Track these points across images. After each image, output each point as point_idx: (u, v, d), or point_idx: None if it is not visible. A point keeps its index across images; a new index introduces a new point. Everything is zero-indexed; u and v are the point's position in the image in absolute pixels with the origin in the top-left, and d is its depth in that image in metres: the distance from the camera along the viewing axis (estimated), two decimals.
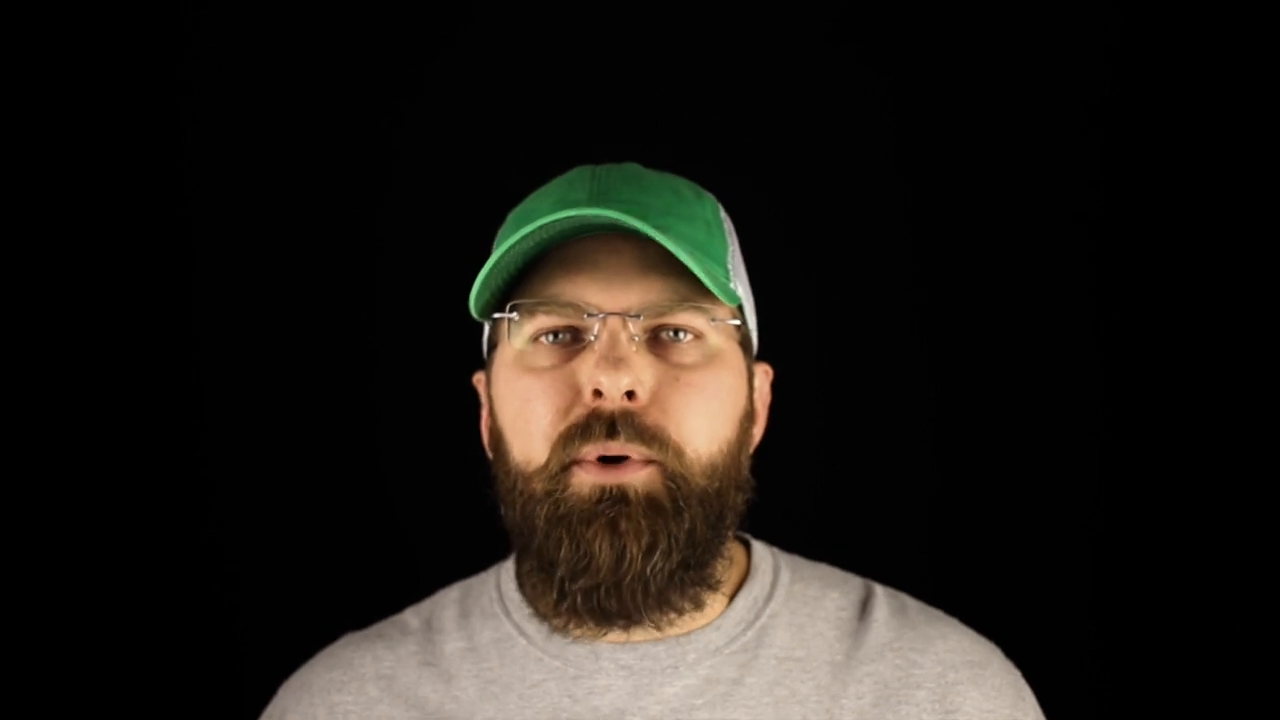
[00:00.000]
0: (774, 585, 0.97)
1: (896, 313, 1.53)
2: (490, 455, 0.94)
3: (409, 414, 1.52)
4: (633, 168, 0.93)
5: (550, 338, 0.88)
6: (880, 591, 0.99)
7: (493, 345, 0.93)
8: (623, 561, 0.85)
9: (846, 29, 1.51)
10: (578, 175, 0.93)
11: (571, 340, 0.88)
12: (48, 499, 1.49)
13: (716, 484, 0.88)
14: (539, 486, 0.87)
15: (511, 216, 0.95)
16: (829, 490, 1.48)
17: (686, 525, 0.87)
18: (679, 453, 0.87)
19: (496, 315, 0.90)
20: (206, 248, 1.54)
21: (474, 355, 1.00)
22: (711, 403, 0.88)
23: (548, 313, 0.87)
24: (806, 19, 1.51)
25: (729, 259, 0.93)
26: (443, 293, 1.49)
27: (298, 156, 1.52)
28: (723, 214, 0.96)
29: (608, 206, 0.85)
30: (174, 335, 1.52)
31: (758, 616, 0.95)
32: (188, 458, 1.53)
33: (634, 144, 0.98)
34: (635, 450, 0.85)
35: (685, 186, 0.94)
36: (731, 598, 0.95)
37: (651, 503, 0.86)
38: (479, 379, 0.98)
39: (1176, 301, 1.48)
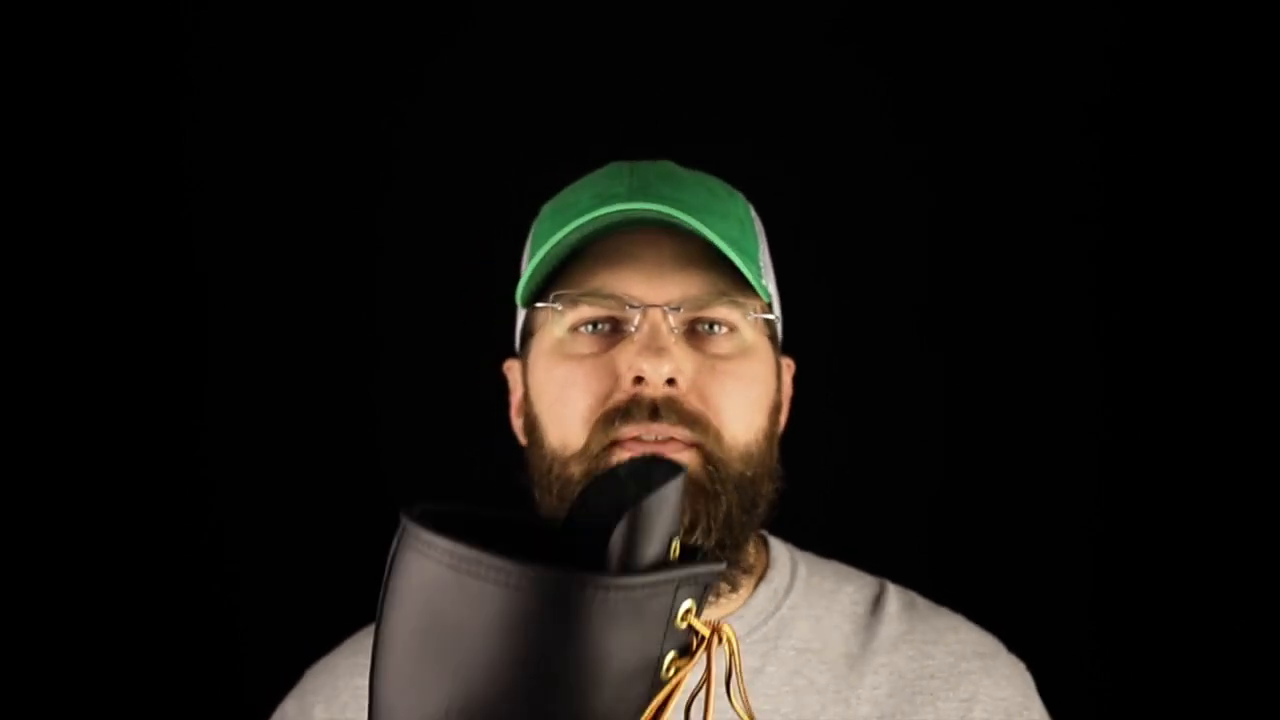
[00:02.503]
0: (793, 579, 0.99)
1: (899, 312, 1.52)
2: (524, 441, 0.95)
3: (410, 413, 1.52)
4: (667, 165, 0.96)
5: (590, 328, 0.90)
6: (892, 588, 1.02)
7: (528, 334, 0.95)
8: None
9: (848, 29, 1.51)
10: (614, 170, 0.95)
11: (611, 330, 0.90)
12: (46, 499, 1.48)
13: (752, 471, 0.91)
14: (576, 469, 0.88)
15: (548, 209, 0.96)
16: (834, 489, 1.46)
17: (723, 508, 0.89)
18: (718, 437, 0.89)
19: (540, 304, 0.91)
20: (207, 248, 1.53)
21: (473, 354, 1.00)
22: (749, 391, 0.91)
23: (590, 304, 0.89)
24: (811, 19, 1.50)
25: (760, 256, 0.95)
26: (443, 292, 1.49)
27: (299, 156, 1.51)
28: (753, 212, 0.98)
29: (650, 201, 0.87)
30: (173, 335, 1.52)
31: (778, 608, 0.97)
32: (188, 458, 1.52)
33: (638, 146, 0.99)
34: (678, 432, 0.87)
35: (718, 185, 0.97)
36: (752, 589, 0.97)
37: (694, 482, 0.88)
38: (510, 366, 0.99)
39: (1177, 301, 1.47)
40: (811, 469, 1.39)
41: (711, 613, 0.94)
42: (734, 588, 0.94)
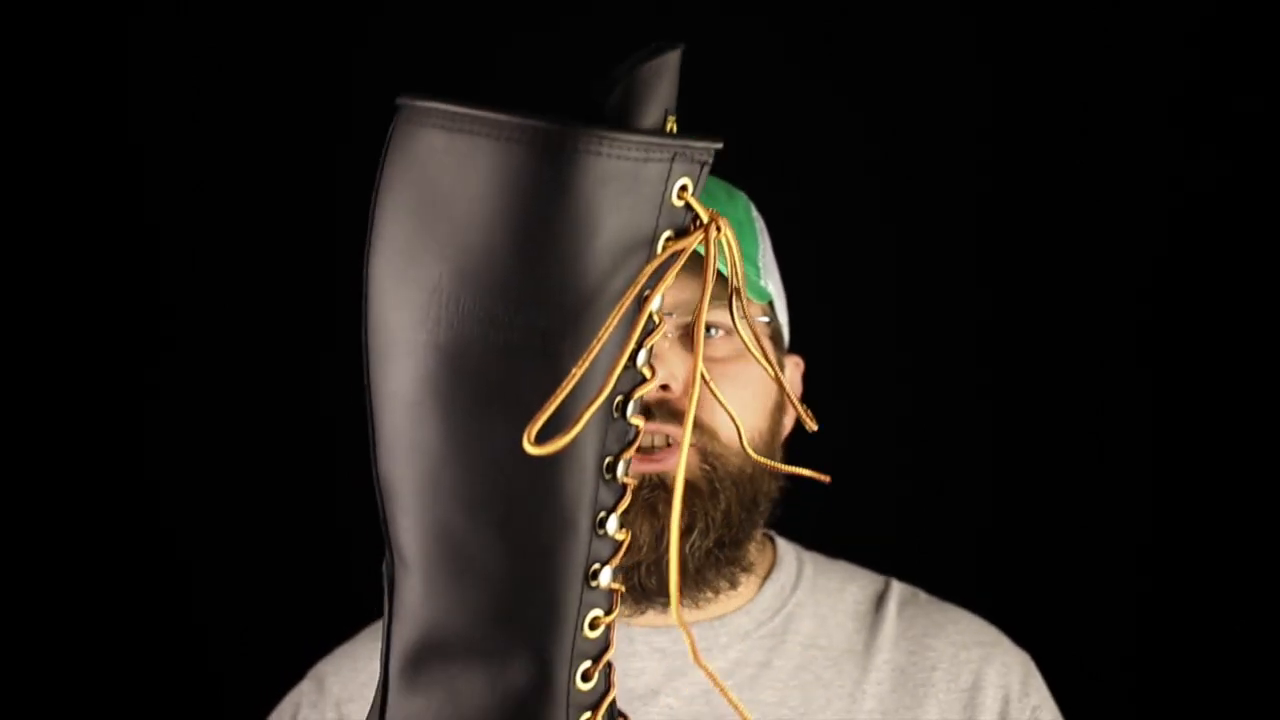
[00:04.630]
0: (798, 576, 1.02)
1: (914, 314, 1.50)
2: None
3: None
4: None
5: None
6: (896, 585, 1.05)
7: None
8: (661, 541, 0.88)
9: (857, 28, 1.48)
10: None
11: None
12: (41, 501, 1.47)
13: (750, 469, 0.92)
14: None
15: None
16: (842, 491, 1.42)
17: (722, 506, 0.90)
18: (714, 435, 0.90)
19: None
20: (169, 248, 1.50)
21: None
22: (743, 392, 0.92)
23: None
24: (824, 18, 1.47)
25: (760, 256, 0.96)
26: None
27: (282, 154, 1.47)
28: (754, 212, 0.99)
29: None
30: (143, 332, 1.50)
31: (784, 604, 0.99)
32: (154, 463, 1.50)
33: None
34: (673, 429, 0.88)
35: (717, 186, 0.97)
36: (759, 587, 1.00)
37: (689, 486, 0.89)
38: None
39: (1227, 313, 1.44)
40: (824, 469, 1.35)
41: (716, 608, 0.96)
42: (733, 585, 0.96)
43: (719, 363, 0.90)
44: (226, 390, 1.50)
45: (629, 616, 0.94)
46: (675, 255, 0.52)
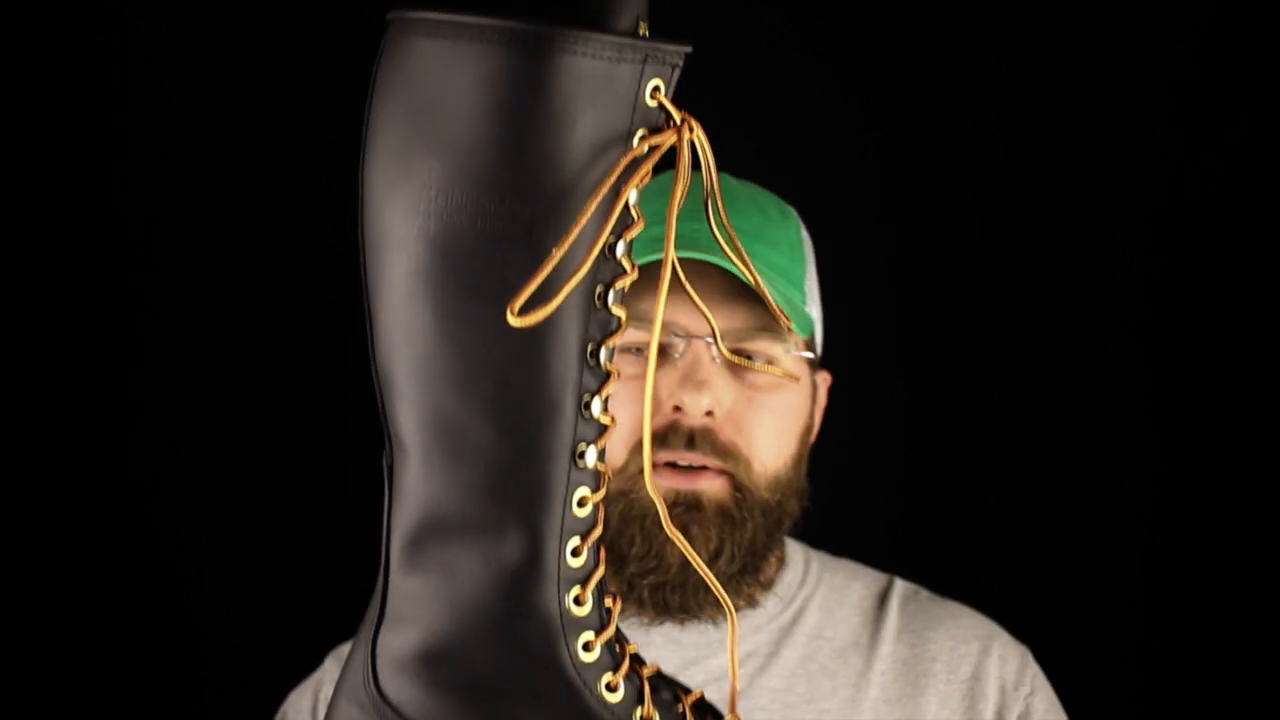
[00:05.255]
0: (806, 573, 1.06)
1: (916, 313, 1.52)
2: None
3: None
4: (723, 181, 0.97)
5: (635, 351, 0.94)
6: (899, 583, 1.09)
7: None
8: (689, 565, 0.90)
9: (861, 27, 1.49)
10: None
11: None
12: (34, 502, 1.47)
13: (778, 496, 0.97)
14: (614, 485, 0.92)
15: None
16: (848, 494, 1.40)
17: (748, 535, 0.95)
18: (749, 467, 0.94)
19: None
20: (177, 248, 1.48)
21: None
22: (780, 423, 0.97)
23: (637, 328, 0.92)
24: (827, 18, 1.49)
25: (806, 281, 1.00)
26: None
27: (290, 143, 1.46)
28: (803, 232, 1.03)
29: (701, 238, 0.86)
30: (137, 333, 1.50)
31: (792, 599, 1.04)
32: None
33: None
34: (711, 462, 0.93)
35: (772, 205, 1.01)
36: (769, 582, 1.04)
37: (722, 511, 0.94)
38: None
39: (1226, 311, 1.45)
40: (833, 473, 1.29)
41: None
42: (752, 605, 1.01)
43: (760, 391, 0.95)
44: (225, 381, 1.49)
45: (648, 625, 0.99)
46: (651, 150, 0.56)
